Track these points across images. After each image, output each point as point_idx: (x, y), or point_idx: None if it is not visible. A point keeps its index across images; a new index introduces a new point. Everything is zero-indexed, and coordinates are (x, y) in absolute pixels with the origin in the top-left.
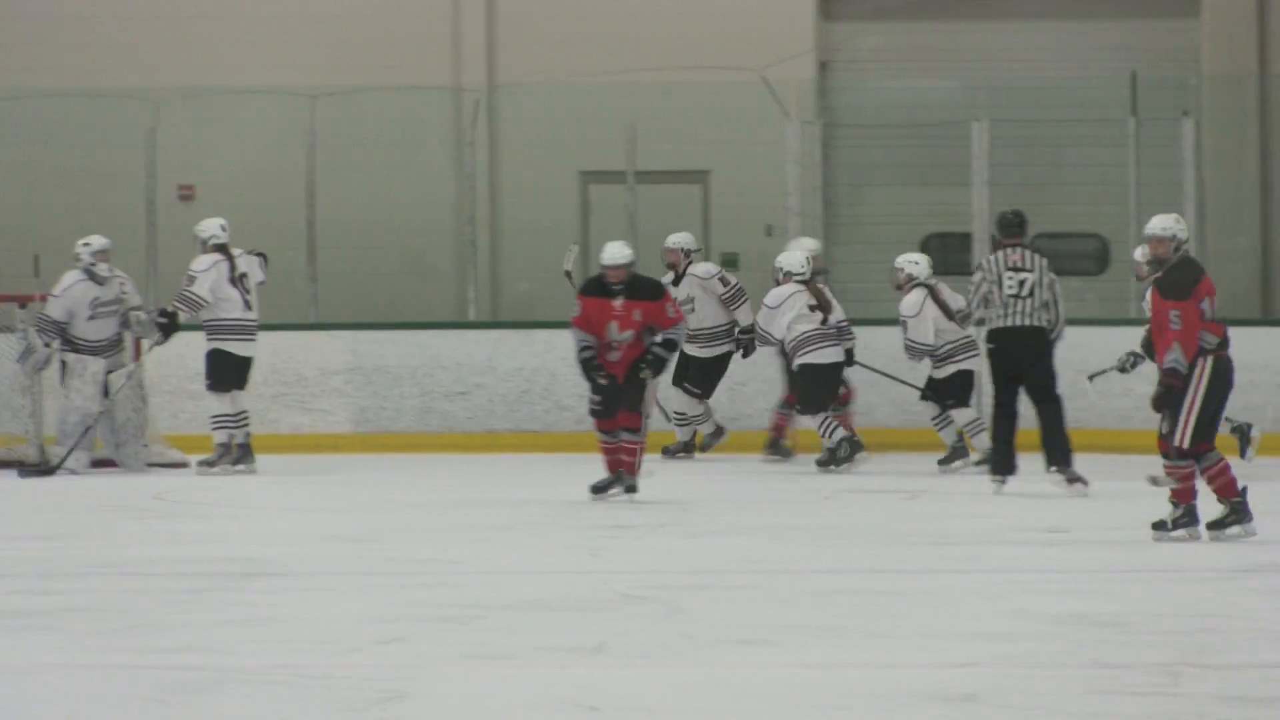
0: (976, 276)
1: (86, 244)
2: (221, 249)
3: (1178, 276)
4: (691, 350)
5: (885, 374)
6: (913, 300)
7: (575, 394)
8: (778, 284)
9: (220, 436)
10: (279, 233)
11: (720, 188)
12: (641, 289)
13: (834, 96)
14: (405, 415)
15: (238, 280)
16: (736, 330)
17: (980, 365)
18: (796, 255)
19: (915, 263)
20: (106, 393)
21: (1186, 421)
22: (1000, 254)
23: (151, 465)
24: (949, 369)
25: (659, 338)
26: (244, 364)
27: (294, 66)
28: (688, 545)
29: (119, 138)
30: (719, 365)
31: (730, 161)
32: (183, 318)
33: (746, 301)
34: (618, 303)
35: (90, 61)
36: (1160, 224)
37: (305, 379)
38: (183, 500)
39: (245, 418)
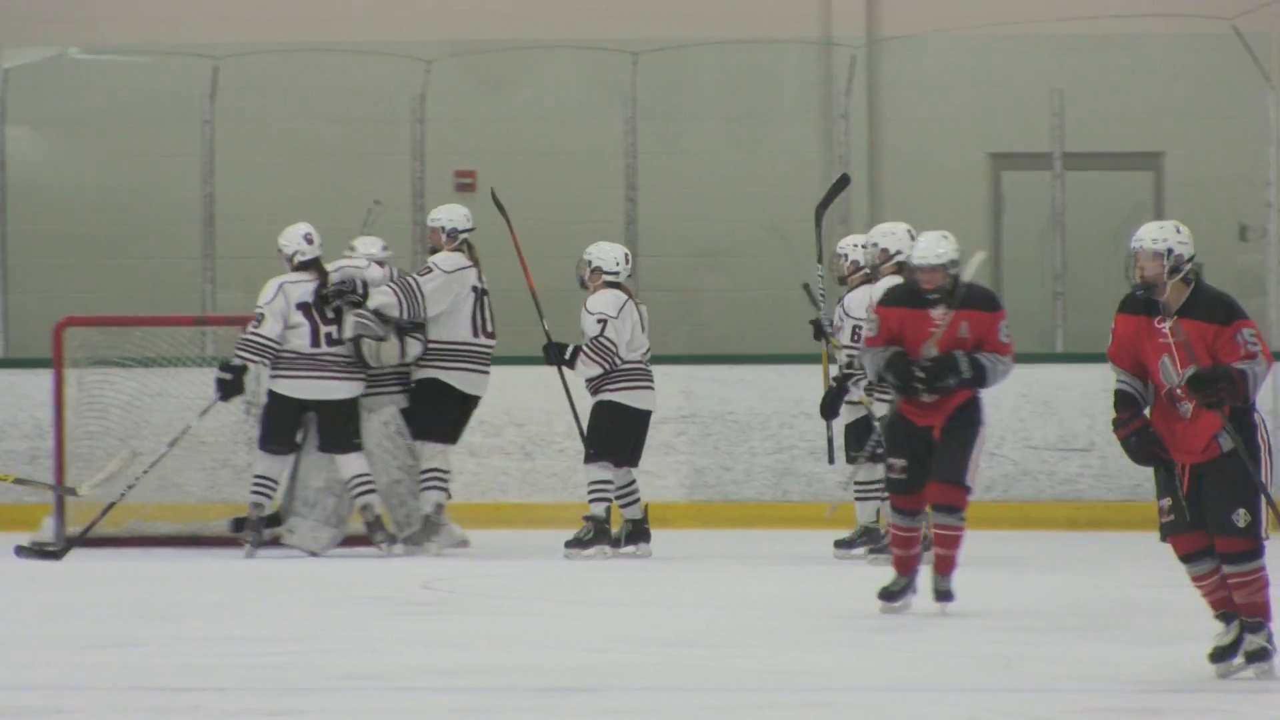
0: None
1: (352, 249)
2: (310, 265)
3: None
4: None
5: None
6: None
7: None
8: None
9: (596, 508)
10: (584, 232)
11: (1177, 175)
12: (972, 296)
13: None
14: (755, 478)
15: (314, 306)
16: None
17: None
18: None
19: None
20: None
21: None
22: None
23: (411, 544)
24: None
25: (965, 364)
26: (307, 410)
27: (605, 15)
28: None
29: (373, 105)
30: None
31: (1190, 141)
32: (252, 369)
33: None
34: (937, 313)
35: (346, 12)
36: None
37: None
38: (460, 591)
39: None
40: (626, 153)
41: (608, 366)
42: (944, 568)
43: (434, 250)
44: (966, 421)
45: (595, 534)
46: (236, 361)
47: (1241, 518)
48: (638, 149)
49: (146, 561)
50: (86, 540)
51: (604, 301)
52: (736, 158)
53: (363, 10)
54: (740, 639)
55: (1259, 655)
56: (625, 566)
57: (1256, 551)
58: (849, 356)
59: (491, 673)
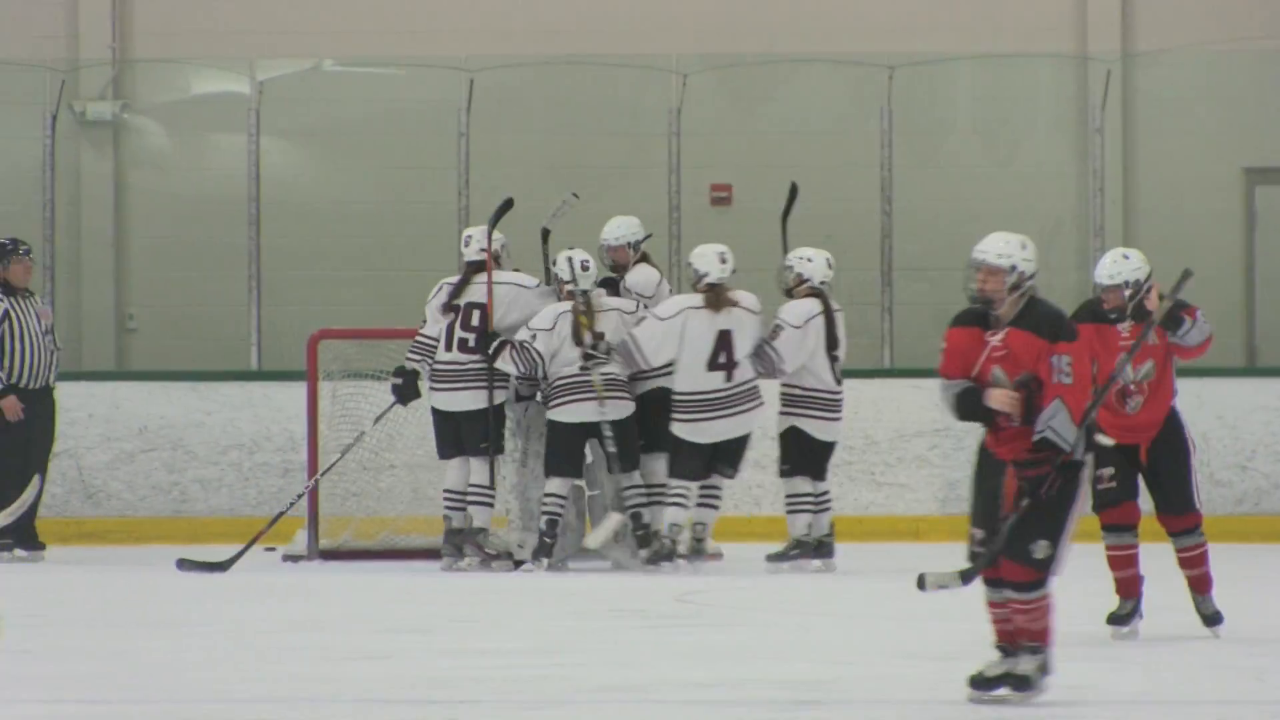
0: None
1: (569, 257)
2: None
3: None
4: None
5: None
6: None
7: (1234, 466)
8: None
9: (797, 525)
10: (838, 246)
11: None
12: (1040, 317)
13: None
14: None
15: (458, 314)
16: None
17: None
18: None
19: (809, 260)
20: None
21: None
22: None
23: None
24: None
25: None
26: (456, 421)
27: (860, 30)
28: None
29: (628, 118)
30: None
31: None
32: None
33: None
34: (997, 338)
35: (602, 25)
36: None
37: (876, 443)
38: (714, 604)
39: (827, 500)
40: (882, 166)
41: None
42: (1203, 586)
43: (616, 266)
44: (1175, 442)
45: (797, 545)
46: (409, 366)
47: (1042, 549)
48: (893, 163)
49: (397, 574)
50: (338, 553)
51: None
52: (991, 172)
53: (618, 24)
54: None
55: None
56: (875, 578)
57: (1043, 581)
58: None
59: (744, 685)
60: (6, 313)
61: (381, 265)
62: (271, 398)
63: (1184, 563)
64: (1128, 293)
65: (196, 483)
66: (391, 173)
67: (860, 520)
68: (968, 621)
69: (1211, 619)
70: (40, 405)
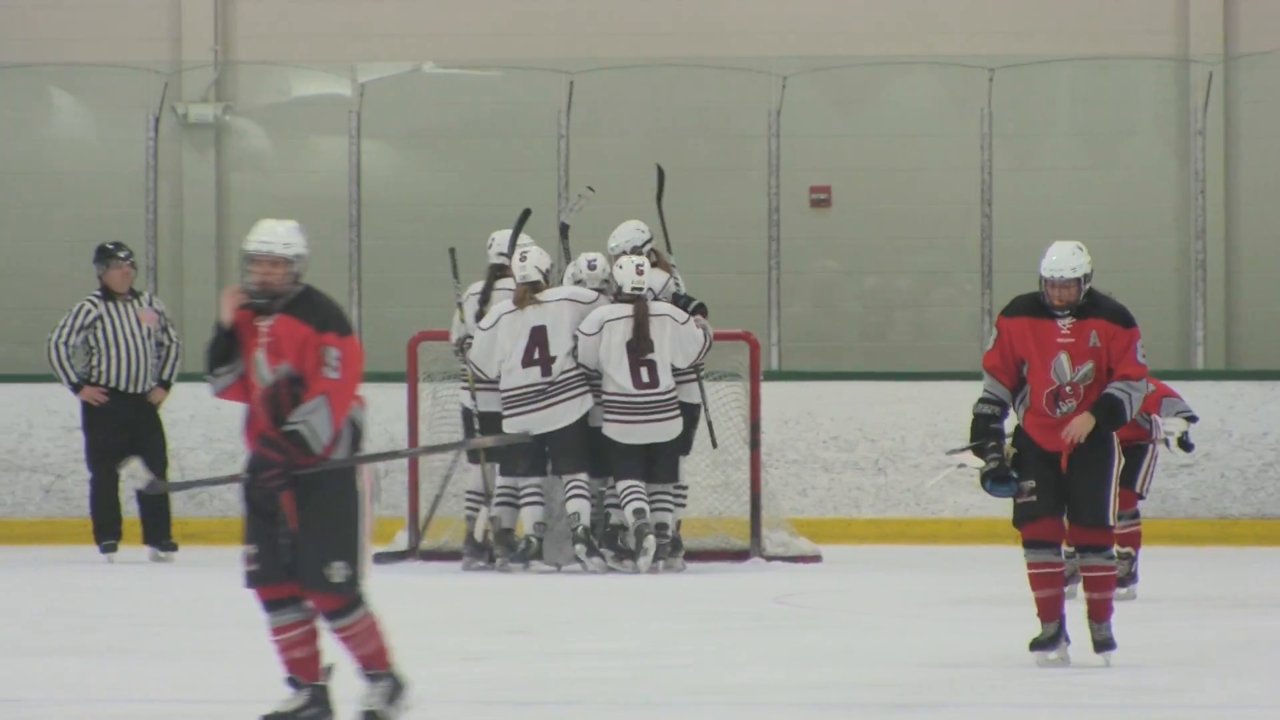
0: None
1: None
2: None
3: None
4: None
5: None
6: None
7: None
8: None
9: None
10: (937, 248)
11: None
12: (1102, 308)
13: None
14: None
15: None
16: None
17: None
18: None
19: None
20: None
21: None
22: None
23: (771, 558)
24: None
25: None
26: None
27: (960, 31)
28: None
29: (727, 120)
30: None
31: None
32: None
33: None
34: (1065, 323)
35: (701, 27)
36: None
37: None
38: (812, 605)
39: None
40: (982, 168)
41: None
42: (1101, 613)
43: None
44: (1099, 452)
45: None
46: None
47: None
48: (993, 165)
49: (497, 576)
50: (439, 554)
51: None
52: (1091, 174)
53: (718, 26)
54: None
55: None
56: (983, 580)
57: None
58: None
59: (844, 688)
60: (99, 318)
61: (481, 267)
62: (371, 399)
63: (1088, 583)
64: (1085, 287)
65: None
66: (491, 175)
67: (959, 523)
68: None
69: (1103, 645)
70: (142, 410)
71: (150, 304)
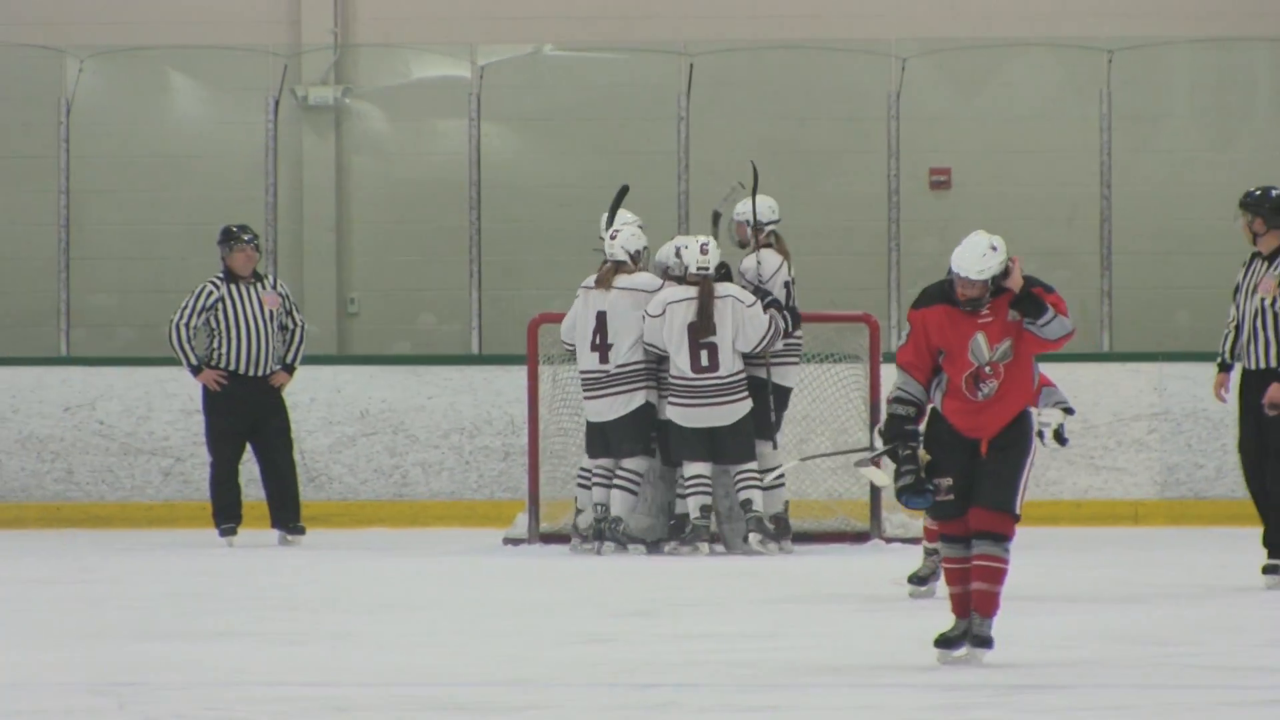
0: None
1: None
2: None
3: None
4: None
5: None
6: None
7: None
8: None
9: None
10: (1056, 231)
11: None
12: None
13: None
14: (1227, 475)
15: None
16: None
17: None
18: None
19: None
20: None
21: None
22: None
23: (891, 540)
24: None
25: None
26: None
27: (1078, 13)
28: None
29: (846, 103)
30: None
31: None
32: None
33: None
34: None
35: (821, 9)
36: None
37: (1095, 428)
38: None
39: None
40: (1101, 150)
41: None
42: (988, 608)
43: (741, 244)
44: (1018, 440)
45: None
46: None
47: None
48: (1112, 147)
49: (615, 558)
50: (558, 536)
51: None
52: (1210, 156)
53: (836, 7)
54: (1200, 635)
55: None
56: (1096, 563)
57: None
58: None
59: (963, 669)
60: (221, 300)
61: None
62: (492, 381)
63: (977, 572)
64: (991, 288)
65: (418, 466)
66: (611, 157)
67: (1079, 504)
68: (1183, 607)
69: (982, 642)
70: (265, 393)
71: (275, 287)
